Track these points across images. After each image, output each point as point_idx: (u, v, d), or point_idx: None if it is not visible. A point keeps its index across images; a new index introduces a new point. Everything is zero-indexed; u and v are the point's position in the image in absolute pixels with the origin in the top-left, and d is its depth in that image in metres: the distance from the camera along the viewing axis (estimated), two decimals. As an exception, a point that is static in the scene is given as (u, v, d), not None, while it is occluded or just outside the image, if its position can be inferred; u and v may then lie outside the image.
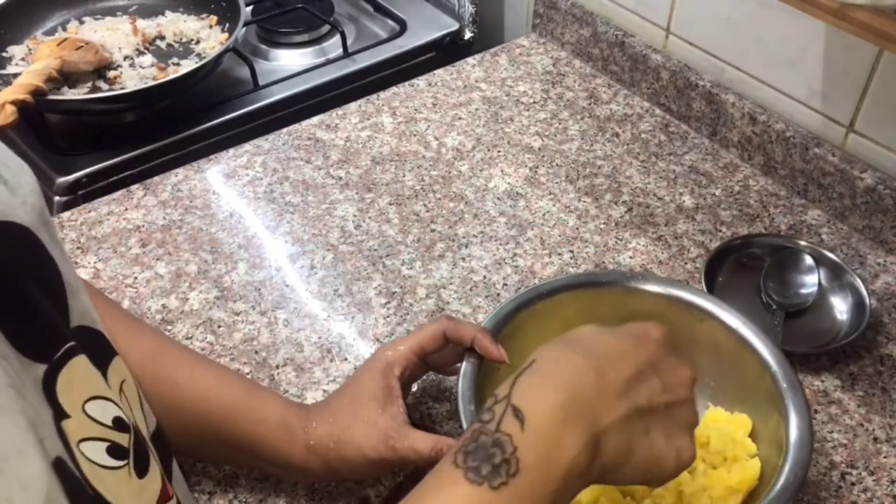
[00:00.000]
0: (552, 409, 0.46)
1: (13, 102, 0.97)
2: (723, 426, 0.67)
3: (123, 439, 0.38)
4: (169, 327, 0.82)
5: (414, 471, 0.69)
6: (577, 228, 0.93)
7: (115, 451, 0.37)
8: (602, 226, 0.93)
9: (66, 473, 0.31)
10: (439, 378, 0.76)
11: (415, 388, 0.75)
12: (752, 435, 0.66)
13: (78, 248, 0.90)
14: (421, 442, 0.60)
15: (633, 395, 0.49)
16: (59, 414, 0.34)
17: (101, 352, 0.40)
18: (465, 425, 0.60)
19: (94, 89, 1.08)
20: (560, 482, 0.45)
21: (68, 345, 0.36)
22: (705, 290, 0.81)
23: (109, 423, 0.37)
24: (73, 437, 0.34)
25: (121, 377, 0.41)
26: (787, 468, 0.58)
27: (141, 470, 0.39)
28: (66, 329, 0.38)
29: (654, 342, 0.53)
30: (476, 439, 0.45)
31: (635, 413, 0.48)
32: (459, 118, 1.08)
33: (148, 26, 1.19)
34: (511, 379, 0.49)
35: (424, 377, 0.76)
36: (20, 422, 0.30)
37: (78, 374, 0.36)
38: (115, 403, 0.38)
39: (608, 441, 0.47)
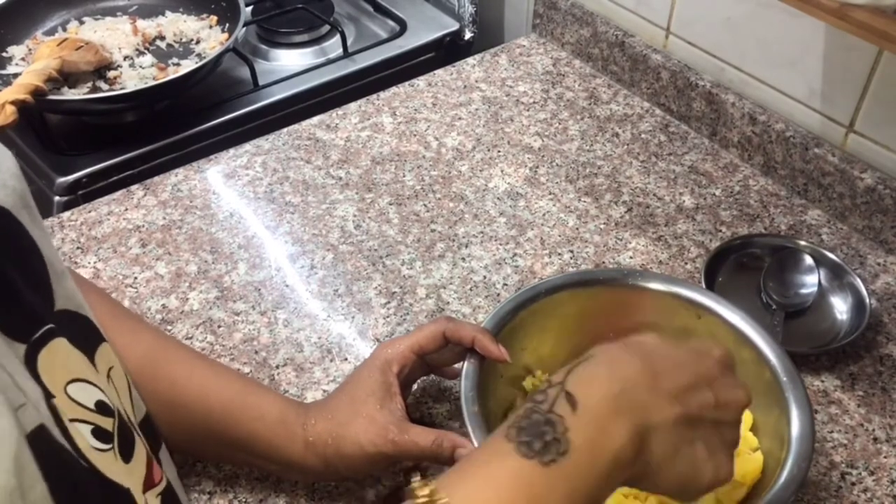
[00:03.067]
0: (604, 399, 0.47)
1: (13, 102, 0.97)
2: None
3: (107, 423, 0.38)
4: (169, 327, 0.82)
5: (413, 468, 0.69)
6: (577, 228, 0.93)
7: (99, 434, 0.37)
8: (602, 226, 0.93)
9: (53, 445, 0.32)
10: (439, 378, 0.76)
11: (415, 388, 0.75)
12: (752, 429, 0.67)
13: (78, 248, 0.90)
14: (421, 435, 0.61)
15: (684, 403, 0.49)
16: (46, 393, 0.34)
17: (87, 336, 0.40)
18: (468, 426, 0.60)
19: (94, 89, 1.08)
20: (605, 469, 0.45)
21: (47, 326, 0.36)
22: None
23: (92, 406, 0.37)
24: (64, 414, 0.34)
25: (108, 363, 0.42)
26: (790, 461, 0.58)
27: (126, 454, 0.39)
28: (48, 311, 0.38)
29: (715, 359, 0.53)
30: (529, 416, 0.46)
31: (684, 420, 0.49)
32: (459, 118, 1.08)
33: (148, 26, 1.19)
34: (566, 368, 0.49)
35: (424, 378, 0.76)
36: None
37: (59, 355, 0.36)
38: (99, 388, 0.38)
39: (654, 439, 0.47)
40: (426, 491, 0.43)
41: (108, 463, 0.37)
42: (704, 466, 0.50)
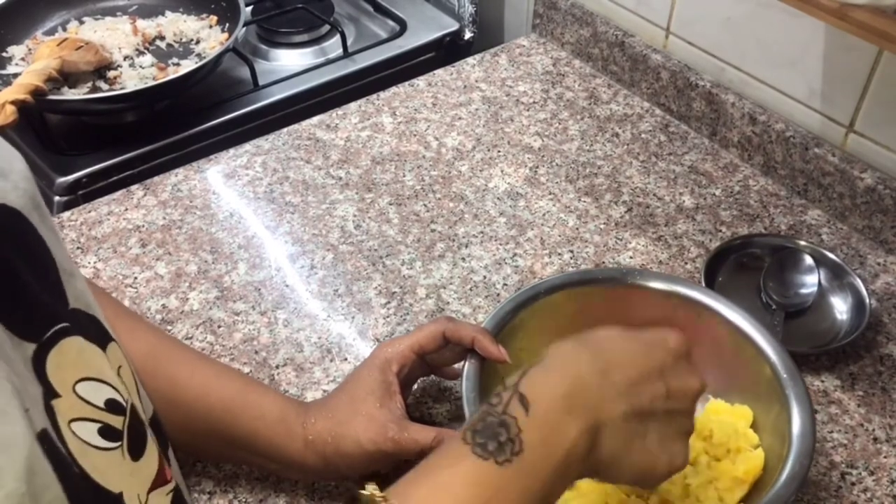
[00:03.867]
0: (556, 399, 0.48)
1: (13, 102, 0.97)
2: (724, 418, 0.67)
3: (117, 421, 0.38)
4: (169, 327, 0.82)
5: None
6: (577, 228, 0.93)
7: (107, 432, 0.37)
8: (602, 226, 0.93)
9: (52, 448, 0.32)
10: (439, 379, 0.76)
11: (415, 388, 0.75)
12: (753, 426, 0.67)
13: (78, 248, 0.90)
14: (422, 433, 0.62)
15: (634, 397, 0.50)
16: (49, 392, 0.34)
17: (96, 336, 0.40)
18: None
19: (94, 89, 1.08)
20: (559, 465, 0.47)
21: (60, 325, 0.36)
22: (705, 290, 0.81)
23: (101, 404, 0.38)
24: (63, 415, 0.34)
25: (118, 362, 0.42)
26: (791, 457, 0.58)
27: (136, 452, 0.39)
28: (61, 309, 0.38)
29: (668, 350, 0.54)
30: (484, 419, 0.47)
31: (634, 414, 0.50)
32: (459, 118, 1.08)
33: (148, 26, 1.19)
34: (521, 370, 0.50)
35: (424, 378, 0.76)
36: (5, 386, 0.30)
37: (69, 354, 0.36)
38: (111, 385, 0.39)
39: (605, 435, 0.49)
40: (378, 498, 0.45)
41: (108, 463, 0.37)
42: (659, 457, 0.51)
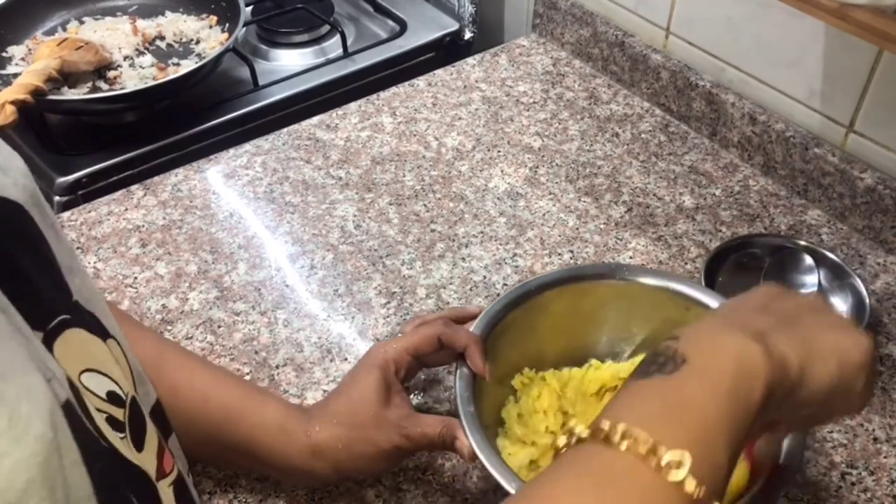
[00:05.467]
0: (708, 327, 0.47)
1: (13, 102, 0.97)
2: None
3: (119, 413, 0.39)
4: (169, 327, 0.82)
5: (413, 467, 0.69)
6: (577, 228, 0.93)
7: (112, 422, 0.38)
8: (602, 226, 0.93)
9: (75, 419, 0.32)
10: (440, 378, 0.76)
11: (414, 389, 0.75)
12: None
13: (78, 248, 0.90)
14: (430, 426, 0.62)
15: (775, 310, 0.49)
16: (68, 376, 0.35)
17: (96, 330, 0.40)
18: (464, 425, 0.60)
19: (94, 89, 1.08)
20: (732, 373, 0.44)
21: (62, 317, 0.37)
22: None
23: (104, 395, 0.38)
24: (85, 396, 0.35)
25: (116, 356, 0.42)
26: (783, 454, 0.58)
27: (138, 444, 0.40)
28: (63, 302, 0.39)
29: (778, 290, 0.53)
30: (645, 359, 0.46)
31: (786, 320, 0.48)
32: (459, 118, 1.08)
33: (148, 26, 1.19)
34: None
35: (424, 378, 0.76)
36: (20, 351, 0.31)
37: (73, 344, 0.37)
38: (111, 378, 0.39)
39: (774, 338, 0.46)
40: (605, 425, 0.42)
41: (125, 449, 0.37)
42: (843, 339, 0.49)
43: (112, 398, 0.39)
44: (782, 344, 0.46)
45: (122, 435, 0.38)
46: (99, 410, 0.37)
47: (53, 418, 0.30)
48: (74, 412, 0.32)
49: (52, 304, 0.37)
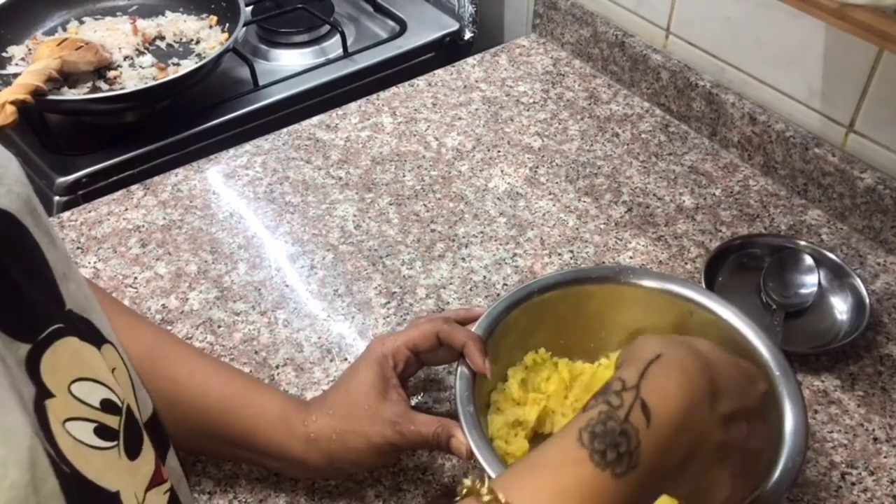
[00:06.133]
0: (675, 416, 0.48)
1: (13, 102, 0.97)
2: None
3: (113, 421, 0.38)
4: (169, 327, 0.82)
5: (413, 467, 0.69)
6: (577, 228, 0.93)
7: (103, 431, 0.37)
8: (602, 226, 0.93)
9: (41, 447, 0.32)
10: (440, 378, 0.76)
11: (415, 388, 0.75)
12: None
13: (78, 248, 0.90)
14: (424, 425, 0.62)
15: (730, 430, 0.50)
16: (43, 393, 0.34)
17: (90, 338, 0.40)
18: (463, 425, 0.60)
19: (94, 89, 1.08)
20: (658, 482, 0.47)
21: (55, 326, 0.37)
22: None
23: (97, 404, 0.38)
24: (56, 415, 0.35)
25: (112, 363, 0.42)
26: (784, 456, 0.58)
27: (133, 452, 0.40)
28: (57, 311, 0.38)
29: (761, 393, 0.54)
30: (604, 423, 0.46)
31: (723, 446, 0.50)
32: (459, 118, 1.08)
33: (148, 26, 1.19)
34: (637, 368, 0.49)
35: (424, 377, 0.76)
36: (2, 381, 0.31)
37: (65, 355, 0.37)
38: (106, 386, 0.39)
39: (697, 458, 0.49)
40: (484, 490, 0.43)
41: (105, 462, 0.37)
42: (722, 486, 0.51)
43: (106, 406, 0.38)
44: (695, 467, 0.49)
45: (111, 444, 0.38)
46: (88, 420, 0.37)
47: (33, 454, 0.30)
48: (38, 439, 0.32)
49: (43, 315, 0.37)
